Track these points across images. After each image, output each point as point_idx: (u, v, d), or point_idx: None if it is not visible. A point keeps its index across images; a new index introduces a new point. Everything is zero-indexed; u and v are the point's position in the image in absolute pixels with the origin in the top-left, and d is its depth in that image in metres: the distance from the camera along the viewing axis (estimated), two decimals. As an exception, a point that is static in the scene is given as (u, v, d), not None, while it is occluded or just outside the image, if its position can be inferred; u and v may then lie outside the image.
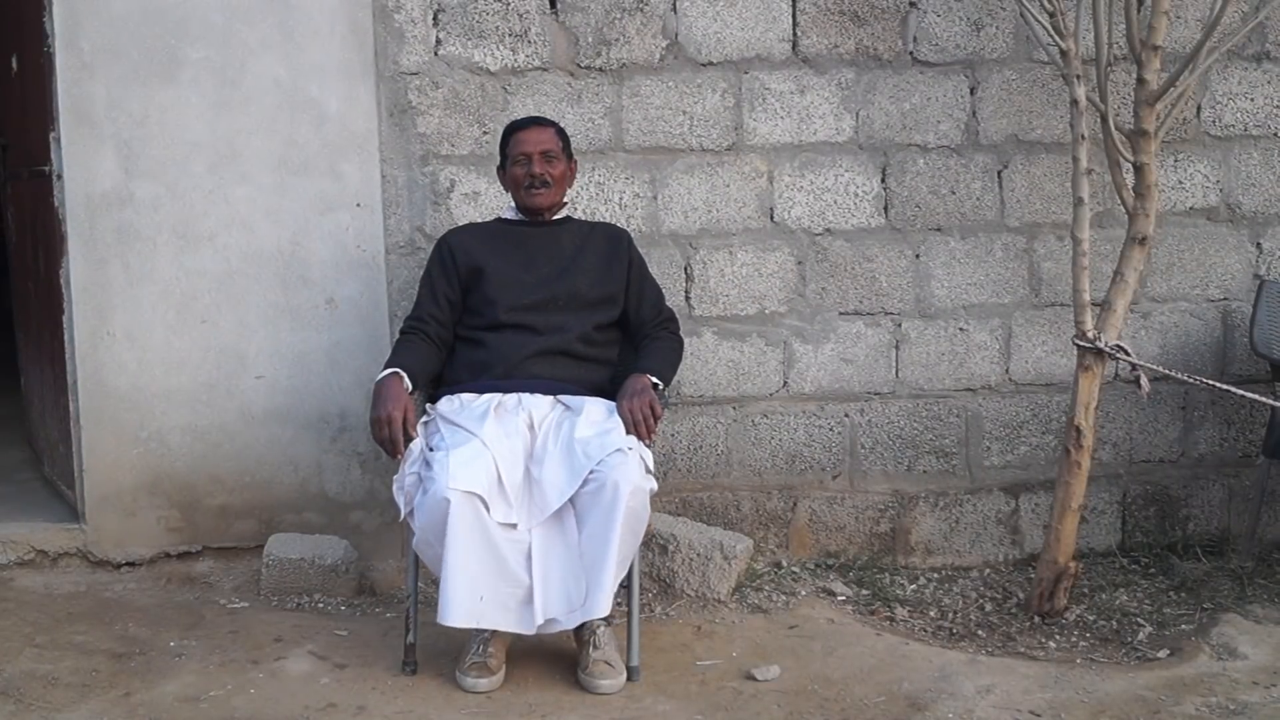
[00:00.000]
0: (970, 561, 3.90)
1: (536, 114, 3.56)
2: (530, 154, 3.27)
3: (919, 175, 3.83)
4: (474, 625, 2.92)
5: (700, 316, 3.81)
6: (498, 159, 3.42)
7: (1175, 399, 3.95)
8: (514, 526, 2.92)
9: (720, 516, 3.83)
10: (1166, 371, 3.50)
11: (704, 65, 3.76)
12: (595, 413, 3.09)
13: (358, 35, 3.68)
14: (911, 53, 3.80)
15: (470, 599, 2.88)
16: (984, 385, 3.90)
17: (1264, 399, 3.41)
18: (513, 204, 3.40)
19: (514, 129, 3.34)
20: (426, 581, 3.28)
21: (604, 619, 2.98)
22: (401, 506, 3.01)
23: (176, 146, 3.65)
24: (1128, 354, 3.35)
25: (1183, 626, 3.36)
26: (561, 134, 3.35)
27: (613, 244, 3.36)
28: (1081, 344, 3.37)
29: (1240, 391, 3.43)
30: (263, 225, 3.70)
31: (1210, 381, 3.41)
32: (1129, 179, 3.42)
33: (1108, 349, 3.33)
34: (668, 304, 3.46)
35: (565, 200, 3.41)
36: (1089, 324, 3.35)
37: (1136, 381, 3.41)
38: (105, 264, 3.66)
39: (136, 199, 3.65)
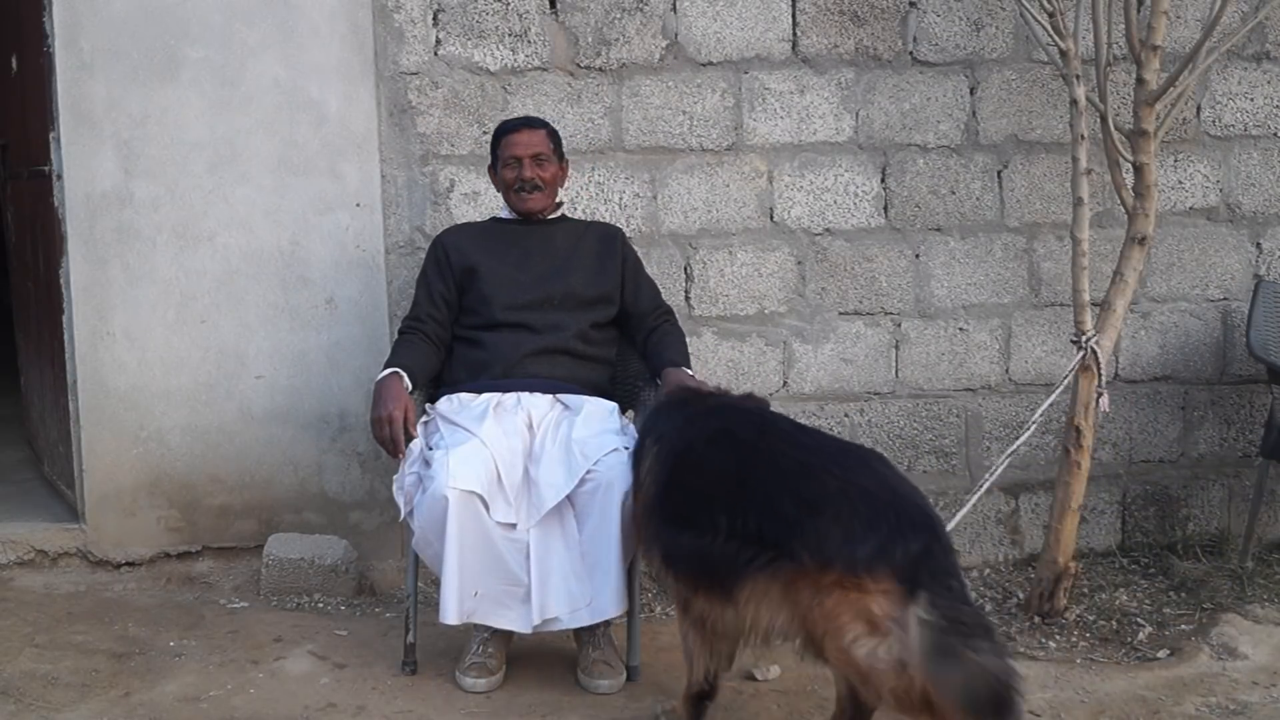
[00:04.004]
0: (970, 561, 3.89)
1: (531, 115, 3.53)
2: (521, 157, 3.25)
3: (919, 175, 3.83)
4: (470, 622, 2.92)
5: (700, 316, 3.81)
6: (489, 158, 3.41)
7: (1175, 399, 3.96)
8: (513, 526, 2.92)
9: (720, 516, 3.83)
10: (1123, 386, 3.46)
11: (704, 65, 3.76)
12: (594, 413, 3.09)
13: (358, 35, 3.68)
14: (911, 53, 3.80)
15: (466, 596, 2.88)
16: (984, 385, 3.91)
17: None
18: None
19: (505, 130, 3.32)
20: (426, 581, 3.28)
21: (604, 620, 2.98)
22: (401, 506, 3.02)
23: (176, 146, 3.66)
24: (1098, 360, 3.30)
25: (1183, 626, 3.35)
26: (553, 135, 3.32)
27: (606, 242, 3.35)
28: (1077, 343, 3.36)
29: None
30: (262, 225, 3.70)
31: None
32: (1129, 179, 3.42)
33: (1086, 345, 3.30)
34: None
35: (560, 200, 3.41)
36: (1088, 324, 3.35)
37: (1097, 400, 3.37)
38: (105, 264, 3.66)
39: (136, 199, 3.65)
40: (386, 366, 3.13)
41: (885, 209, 3.84)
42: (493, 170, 3.37)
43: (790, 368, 3.84)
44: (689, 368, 3.24)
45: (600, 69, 3.74)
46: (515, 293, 3.23)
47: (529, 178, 3.25)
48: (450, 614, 2.87)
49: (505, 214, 3.39)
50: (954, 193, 3.84)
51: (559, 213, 3.40)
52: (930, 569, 2.20)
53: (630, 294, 3.35)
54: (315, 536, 3.72)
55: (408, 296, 3.62)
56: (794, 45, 3.78)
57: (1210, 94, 3.88)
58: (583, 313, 3.26)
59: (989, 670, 2.10)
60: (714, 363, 3.82)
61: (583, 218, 3.66)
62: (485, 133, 3.71)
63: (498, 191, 3.40)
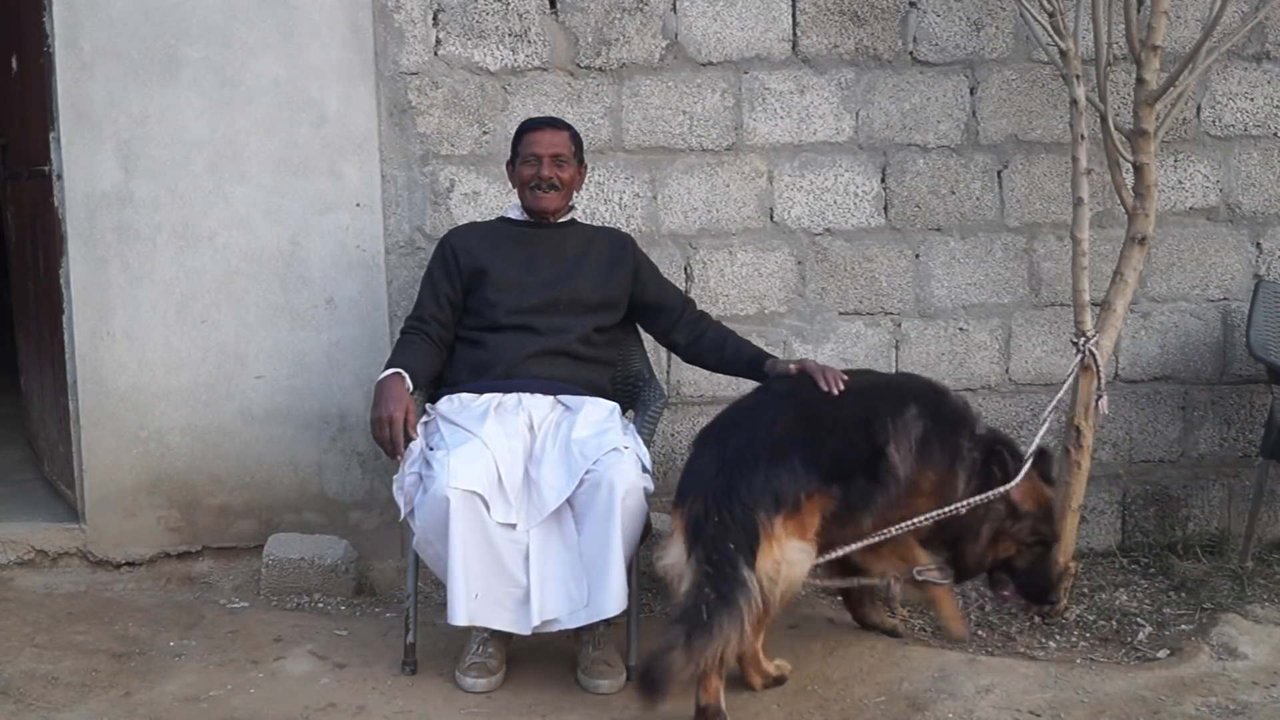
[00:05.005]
0: (970, 561, 3.89)
1: (550, 115, 3.54)
2: (541, 155, 3.26)
3: (919, 175, 3.83)
4: (472, 624, 2.92)
5: (700, 316, 3.81)
6: (502, 156, 3.45)
7: (1175, 399, 3.96)
8: (513, 527, 2.93)
9: (720, 516, 3.82)
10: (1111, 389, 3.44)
11: (704, 65, 3.76)
12: (594, 413, 3.10)
13: (358, 35, 3.68)
14: (911, 53, 3.80)
15: (468, 597, 2.88)
16: (984, 385, 3.90)
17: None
18: (517, 202, 3.40)
19: (528, 128, 3.33)
20: (426, 581, 3.29)
21: (604, 620, 2.97)
22: (401, 506, 3.02)
23: (176, 146, 3.66)
24: (1096, 362, 3.30)
25: (1183, 626, 3.35)
26: (575, 139, 3.34)
27: (617, 249, 3.35)
28: (1077, 344, 3.36)
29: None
30: (262, 225, 3.70)
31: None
32: (1129, 179, 3.42)
33: (1083, 348, 3.29)
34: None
35: (573, 205, 3.41)
36: (1088, 324, 3.35)
37: (1096, 402, 3.36)
38: (105, 264, 3.66)
39: (136, 199, 3.65)
40: (388, 366, 3.13)
41: (885, 209, 3.84)
42: (510, 166, 3.38)
43: (790, 368, 3.84)
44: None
45: (600, 69, 3.74)
46: (522, 296, 3.23)
47: (547, 176, 3.26)
48: (459, 615, 2.87)
49: (514, 214, 3.39)
50: (954, 193, 3.84)
51: (569, 216, 3.40)
52: (704, 538, 2.73)
53: (655, 293, 3.37)
54: (315, 536, 3.72)
55: (408, 296, 3.62)
56: (794, 45, 3.78)
57: (1210, 94, 3.88)
58: (587, 317, 3.26)
59: (660, 647, 2.64)
60: (714, 363, 3.81)
61: (585, 219, 3.66)
62: (485, 133, 3.71)
63: (513, 187, 3.40)
